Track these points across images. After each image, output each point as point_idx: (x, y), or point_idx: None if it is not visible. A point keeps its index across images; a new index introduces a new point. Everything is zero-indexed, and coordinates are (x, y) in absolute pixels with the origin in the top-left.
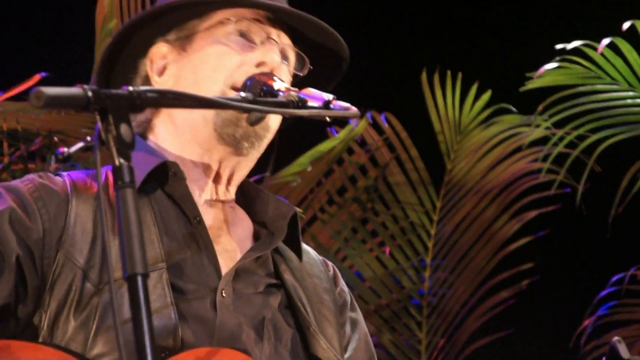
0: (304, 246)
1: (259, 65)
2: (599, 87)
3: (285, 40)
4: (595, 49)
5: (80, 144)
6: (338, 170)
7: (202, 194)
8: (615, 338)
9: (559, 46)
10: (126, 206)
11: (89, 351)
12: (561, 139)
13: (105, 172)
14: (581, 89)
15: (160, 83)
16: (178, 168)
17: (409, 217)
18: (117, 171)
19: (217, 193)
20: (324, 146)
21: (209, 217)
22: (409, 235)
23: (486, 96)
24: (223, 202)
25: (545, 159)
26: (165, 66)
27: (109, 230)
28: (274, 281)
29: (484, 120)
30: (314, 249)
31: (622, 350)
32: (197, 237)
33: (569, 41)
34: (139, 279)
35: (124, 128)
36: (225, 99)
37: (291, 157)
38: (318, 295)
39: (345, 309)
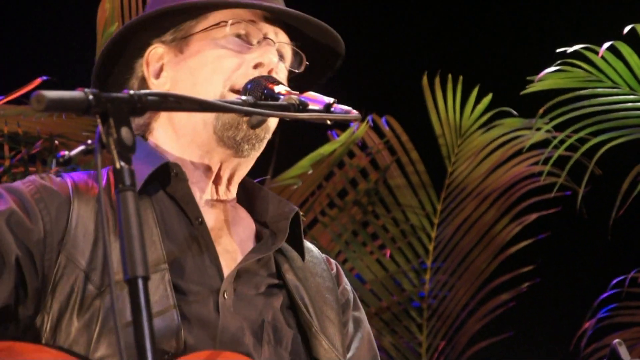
0: (307, 244)
1: (256, 66)
2: (600, 90)
3: (282, 38)
4: (596, 52)
5: (81, 147)
6: (339, 173)
7: (203, 194)
8: (616, 340)
9: (559, 50)
10: (127, 209)
11: (92, 353)
12: (562, 142)
13: (107, 173)
14: (582, 92)
15: (157, 85)
16: (180, 169)
17: (409, 220)
18: (117, 174)
19: (217, 193)
20: (324, 149)
21: (211, 217)
22: (409, 238)
23: (487, 99)
24: (224, 202)
25: (545, 162)
26: (161, 68)
27: (110, 232)
28: (275, 281)
29: (485, 123)
30: None
31: (623, 352)
32: (199, 238)
33: (569, 45)
34: (140, 281)
35: (124, 131)
36: (227, 102)
37: (292, 160)
38: (321, 294)
39: (347, 307)
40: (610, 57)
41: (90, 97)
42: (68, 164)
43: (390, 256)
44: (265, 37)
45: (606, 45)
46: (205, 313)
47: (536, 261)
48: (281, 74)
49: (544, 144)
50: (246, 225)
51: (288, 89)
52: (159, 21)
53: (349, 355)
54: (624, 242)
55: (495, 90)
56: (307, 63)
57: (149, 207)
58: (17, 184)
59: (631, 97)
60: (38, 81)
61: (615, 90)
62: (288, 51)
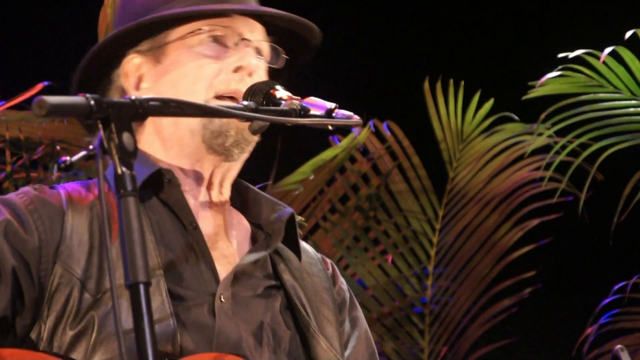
0: (303, 245)
1: (236, 70)
2: (601, 95)
3: (258, 36)
4: (597, 57)
5: (82, 153)
6: (340, 178)
7: (197, 200)
8: (618, 346)
9: (561, 55)
10: (128, 214)
11: None
12: (563, 147)
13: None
14: (583, 97)
15: None
16: (172, 175)
17: (411, 225)
18: (119, 179)
19: (211, 198)
20: (326, 154)
21: (205, 222)
22: (411, 244)
23: (488, 105)
24: (218, 205)
25: (547, 167)
26: (140, 78)
27: (107, 239)
28: (273, 282)
29: (486, 128)
30: None
31: (625, 358)
32: (194, 243)
33: (571, 50)
34: (141, 287)
35: (126, 136)
36: (228, 107)
37: (293, 166)
38: (318, 294)
39: (344, 306)
40: (612, 62)
41: (92, 102)
42: (70, 170)
43: (392, 262)
44: (242, 38)
45: (608, 50)
46: (201, 317)
47: (538, 267)
48: (260, 71)
49: (545, 149)
50: (241, 228)
51: (289, 94)
52: (134, 32)
53: (346, 354)
54: (626, 247)
55: (496, 96)
56: (287, 57)
57: (143, 213)
58: (11, 195)
59: (633, 102)
60: (40, 86)
61: (616, 95)
62: (265, 47)
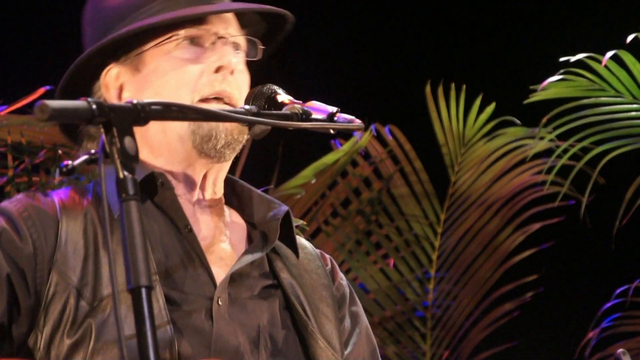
0: (301, 241)
1: (217, 70)
2: (603, 99)
3: (233, 31)
4: (599, 61)
5: (84, 157)
6: (342, 182)
7: (190, 203)
8: (620, 350)
9: (562, 59)
10: (130, 218)
11: None
12: (565, 151)
13: (92, 188)
14: (585, 101)
15: None
16: (165, 178)
17: (413, 230)
18: (121, 183)
19: (205, 199)
20: (327, 159)
21: (200, 224)
22: (413, 248)
23: (490, 108)
24: (212, 206)
25: (549, 171)
26: (121, 88)
27: (100, 247)
28: (270, 282)
29: (488, 132)
30: None
31: None
32: (189, 246)
33: (573, 54)
34: (143, 291)
35: (127, 141)
36: (230, 111)
37: (295, 170)
38: (316, 291)
39: (344, 302)
40: (614, 66)
41: (94, 106)
42: (71, 174)
43: (393, 265)
44: (218, 37)
45: (609, 54)
46: (198, 322)
47: (540, 270)
48: (240, 66)
49: (547, 153)
50: (237, 228)
51: (291, 98)
52: (109, 45)
53: (347, 351)
54: (628, 251)
55: (498, 100)
56: (264, 48)
57: None
58: (4, 204)
59: (634, 106)
60: (41, 91)
61: (618, 99)
62: (242, 41)
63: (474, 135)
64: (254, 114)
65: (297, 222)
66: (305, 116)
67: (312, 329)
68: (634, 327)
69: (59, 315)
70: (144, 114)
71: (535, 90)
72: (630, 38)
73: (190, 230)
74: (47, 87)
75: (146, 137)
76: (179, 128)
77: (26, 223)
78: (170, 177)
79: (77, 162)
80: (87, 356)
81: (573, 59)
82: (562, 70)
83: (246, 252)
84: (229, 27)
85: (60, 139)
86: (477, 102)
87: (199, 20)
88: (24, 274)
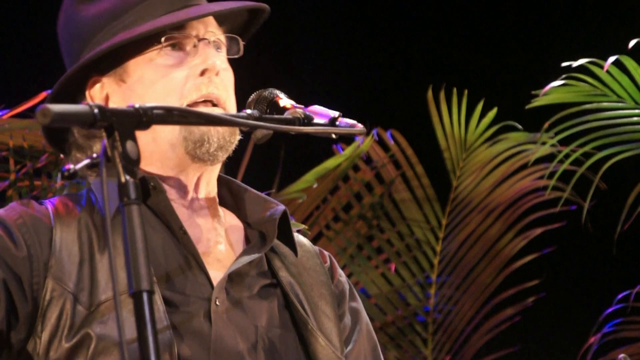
0: (300, 238)
1: (202, 73)
2: (605, 104)
3: (212, 29)
4: (601, 66)
5: (86, 161)
6: (344, 187)
7: (184, 205)
8: (621, 355)
9: (564, 64)
10: (132, 223)
11: None
12: (567, 156)
13: (86, 194)
14: (587, 106)
15: None
16: (157, 181)
17: (414, 234)
18: (123, 188)
19: (199, 200)
20: (329, 163)
21: (196, 227)
22: (414, 252)
23: (492, 113)
24: (208, 207)
25: (550, 176)
26: (107, 99)
27: (96, 252)
28: (269, 281)
29: (490, 137)
30: None
31: None
32: (185, 249)
33: (574, 59)
34: (145, 295)
35: (129, 145)
36: (232, 115)
37: (297, 174)
38: (316, 289)
39: (343, 299)
40: (616, 72)
41: (96, 110)
42: (73, 178)
43: (395, 270)
44: (199, 39)
45: (611, 59)
46: (197, 324)
47: (541, 275)
48: (224, 65)
49: (549, 158)
50: (234, 228)
51: (293, 102)
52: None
53: (348, 349)
54: (630, 256)
55: (500, 104)
56: (244, 42)
57: None
58: None
59: (636, 111)
60: (43, 95)
61: (620, 104)
62: (223, 39)
63: (475, 140)
64: (255, 119)
65: (298, 226)
66: (307, 120)
67: (311, 327)
68: (635, 332)
69: (56, 321)
70: (146, 118)
71: (537, 95)
72: (632, 43)
73: (185, 233)
74: (49, 91)
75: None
76: (170, 135)
77: (20, 230)
78: (162, 182)
79: (78, 166)
80: None
81: (575, 64)
82: (564, 76)
83: (244, 253)
84: (209, 27)
85: None
86: (479, 107)
87: (178, 27)
88: (20, 280)
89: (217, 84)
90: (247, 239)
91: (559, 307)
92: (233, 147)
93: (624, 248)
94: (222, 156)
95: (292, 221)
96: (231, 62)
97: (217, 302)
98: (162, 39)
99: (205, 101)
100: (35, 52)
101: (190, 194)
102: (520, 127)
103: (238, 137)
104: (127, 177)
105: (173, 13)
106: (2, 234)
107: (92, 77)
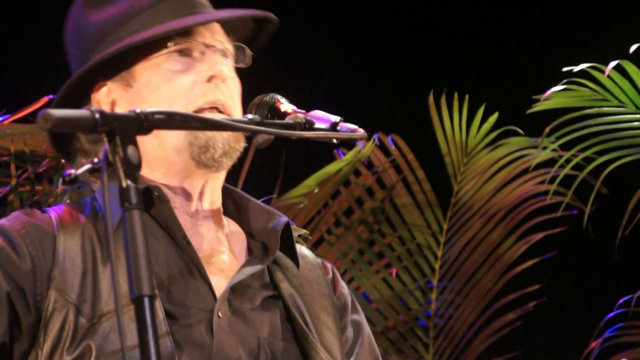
0: (302, 250)
1: (210, 79)
2: (606, 109)
3: (220, 37)
4: (602, 71)
5: (87, 166)
6: (345, 192)
7: (188, 215)
8: None
9: (565, 68)
10: (133, 228)
11: None
12: (568, 161)
13: (90, 203)
14: (588, 111)
15: None
16: (161, 191)
17: (415, 239)
18: (124, 193)
19: (203, 210)
20: (330, 168)
21: (199, 237)
22: (415, 257)
23: (493, 118)
24: (211, 216)
25: (552, 181)
26: (113, 104)
27: (99, 263)
28: (270, 293)
29: (491, 142)
30: None
31: None
32: (188, 259)
33: (575, 63)
34: (146, 300)
35: (131, 150)
36: (233, 120)
37: (298, 179)
38: (317, 301)
39: (345, 311)
40: (617, 76)
41: (97, 115)
42: (74, 183)
43: (396, 275)
44: (207, 46)
45: (612, 64)
46: (198, 336)
47: (542, 280)
48: (231, 73)
49: (550, 162)
50: (237, 238)
51: (294, 107)
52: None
53: None
54: (631, 261)
55: (501, 109)
56: (253, 53)
57: None
58: (2, 221)
59: (637, 116)
60: (45, 100)
61: (621, 109)
62: (230, 48)
63: (476, 144)
64: (257, 123)
65: (299, 231)
66: (308, 125)
67: (312, 339)
68: (636, 337)
69: (58, 332)
70: (147, 123)
71: (538, 100)
72: (633, 48)
73: (189, 243)
74: (50, 96)
75: (142, 152)
76: (176, 141)
77: (24, 240)
78: (166, 190)
79: (80, 171)
80: None
81: (576, 69)
82: (565, 80)
83: (246, 264)
84: (216, 35)
85: None
86: (480, 111)
87: (186, 31)
88: (23, 291)
89: (224, 90)
90: (250, 250)
91: (560, 312)
92: (238, 154)
93: (625, 253)
94: (227, 163)
95: (293, 226)
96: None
97: (220, 314)
98: (170, 44)
99: (211, 107)
100: (37, 57)
101: (195, 202)
102: (521, 131)
103: (243, 144)
104: (129, 182)
105: (180, 19)
106: (5, 244)
107: (99, 81)
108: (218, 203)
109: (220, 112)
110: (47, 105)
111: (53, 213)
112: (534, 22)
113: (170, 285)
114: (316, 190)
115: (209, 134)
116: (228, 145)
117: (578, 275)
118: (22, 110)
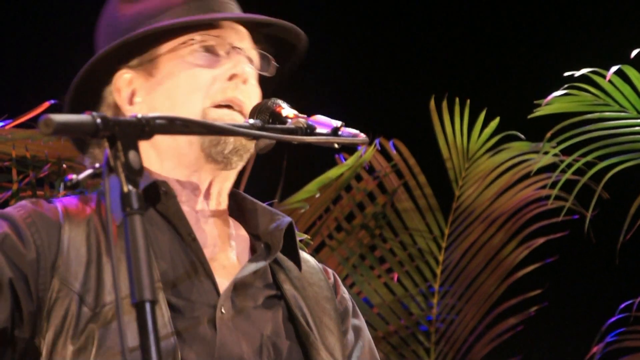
0: (304, 254)
1: (231, 78)
2: (607, 114)
3: (247, 44)
4: (603, 76)
5: (88, 171)
6: (346, 196)
7: (194, 211)
8: None
9: (567, 73)
10: (134, 232)
11: None
12: (569, 166)
13: (96, 196)
14: (589, 116)
15: (132, 111)
16: (168, 186)
17: (417, 244)
18: (125, 198)
19: (209, 208)
20: (332, 173)
21: (204, 233)
22: (417, 262)
23: (494, 123)
24: (216, 216)
25: (553, 185)
26: (133, 93)
27: (103, 254)
28: (273, 292)
29: (492, 147)
30: None
31: None
32: (192, 255)
33: (577, 68)
34: (147, 305)
35: (132, 155)
36: (234, 125)
37: (299, 184)
38: (319, 304)
39: (347, 316)
40: (618, 81)
41: (98, 120)
42: (76, 188)
43: (397, 280)
44: (232, 47)
45: (613, 69)
46: (202, 330)
47: (544, 285)
48: (253, 80)
49: (551, 167)
50: (240, 239)
51: (295, 112)
52: (123, 48)
53: None
54: (632, 266)
55: (502, 114)
56: (277, 64)
57: None
58: (8, 209)
59: (638, 120)
60: (46, 105)
61: (622, 114)
62: (255, 55)
63: (478, 149)
64: (258, 128)
65: (301, 236)
66: (310, 130)
67: (314, 340)
68: (638, 342)
69: (61, 321)
70: (148, 128)
71: (539, 105)
72: (634, 53)
73: (194, 239)
74: (52, 101)
75: (155, 142)
76: None
77: (30, 229)
78: (174, 185)
79: (81, 176)
80: None
81: (577, 73)
82: (566, 85)
83: (250, 261)
84: (243, 40)
85: (64, 152)
86: (482, 116)
87: (214, 29)
88: (26, 279)
89: (243, 91)
90: (253, 250)
91: (561, 317)
92: (248, 155)
93: (626, 257)
94: (236, 162)
95: (295, 231)
96: None
97: (223, 310)
98: (196, 38)
99: (228, 106)
100: (39, 62)
101: (201, 198)
102: (522, 136)
103: (254, 145)
104: (130, 187)
105: (210, 14)
106: (10, 232)
107: (122, 70)
108: (224, 205)
109: (236, 110)
110: (49, 110)
111: (59, 203)
112: (535, 27)
113: (175, 280)
114: (317, 195)
115: None
116: (239, 142)
117: (579, 280)
118: (24, 115)
